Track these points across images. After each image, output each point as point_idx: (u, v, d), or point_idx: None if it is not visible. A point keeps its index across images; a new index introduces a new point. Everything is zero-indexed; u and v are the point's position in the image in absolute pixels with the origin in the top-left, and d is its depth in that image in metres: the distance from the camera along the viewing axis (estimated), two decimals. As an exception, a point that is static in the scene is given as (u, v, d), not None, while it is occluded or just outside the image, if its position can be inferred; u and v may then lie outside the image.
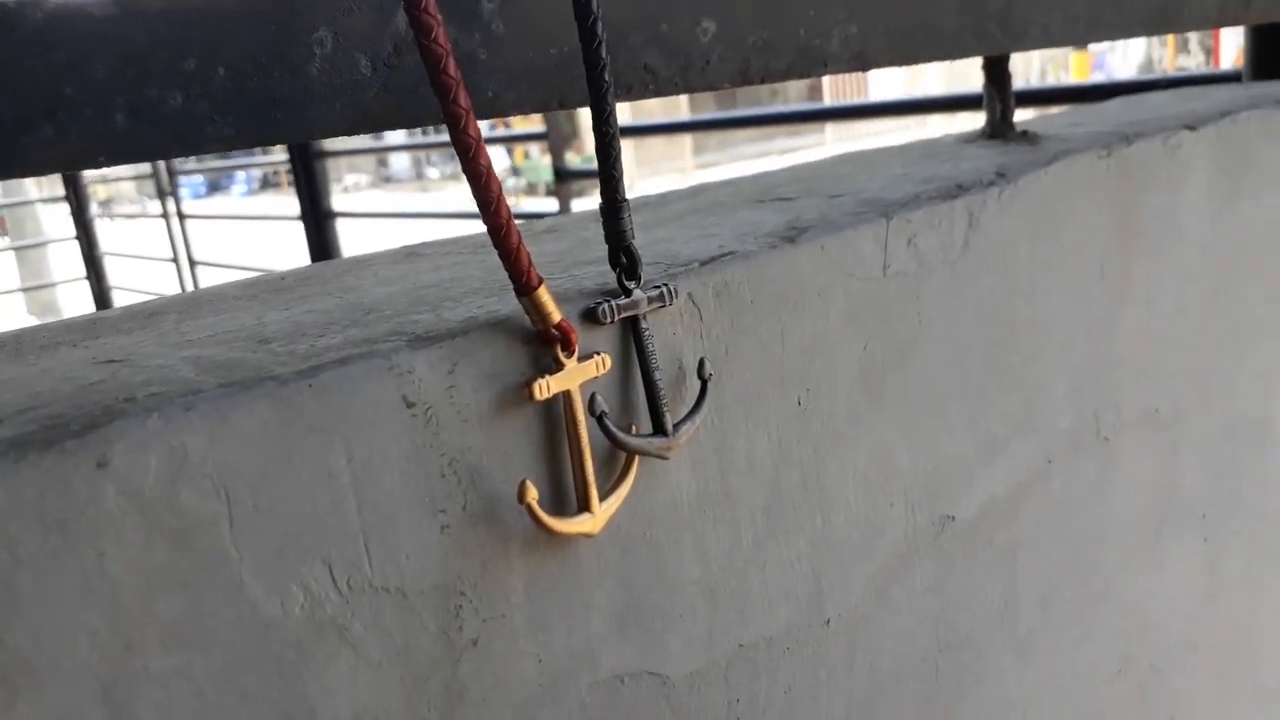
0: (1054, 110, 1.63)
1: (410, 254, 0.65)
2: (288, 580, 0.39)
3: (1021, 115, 1.03)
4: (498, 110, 0.49)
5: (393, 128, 0.48)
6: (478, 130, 0.41)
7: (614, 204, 0.48)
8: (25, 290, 7.79)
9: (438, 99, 0.40)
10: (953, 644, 0.73)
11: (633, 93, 0.54)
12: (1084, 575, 0.86)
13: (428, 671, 0.43)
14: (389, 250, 0.67)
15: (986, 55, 0.80)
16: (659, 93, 0.56)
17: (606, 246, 0.50)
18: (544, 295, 0.44)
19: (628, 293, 0.49)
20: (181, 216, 5.62)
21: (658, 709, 0.53)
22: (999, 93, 0.90)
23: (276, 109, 0.43)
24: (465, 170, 0.41)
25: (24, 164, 0.38)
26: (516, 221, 0.44)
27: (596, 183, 0.49)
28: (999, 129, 0.91)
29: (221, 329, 0.48)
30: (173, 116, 0.41)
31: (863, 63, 0.65)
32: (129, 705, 0.36)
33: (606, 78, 0.46)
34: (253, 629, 0.38)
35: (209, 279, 5.11)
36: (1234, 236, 0.97)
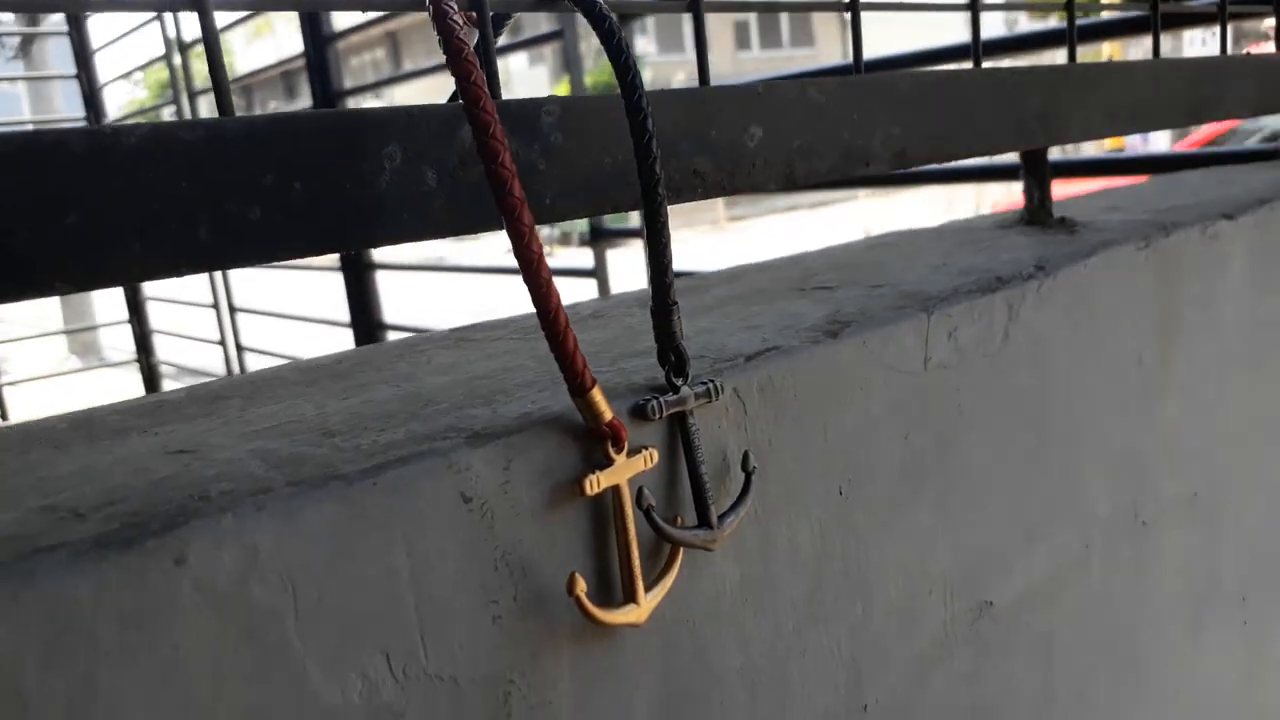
0: (1090, 183, 1.64)
1: (461, 339, 0.67)
2: (348, 669, 0.41)
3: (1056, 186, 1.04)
4: (554, 216, 0.52)
5: (456, 234, 0.50)
6: (540, 245, 0.43)
7: (665, 306, 0.50)
8: (68, 332, 7.95)
9: (503, 217, 0.42)
10: (989, 732, 0.73)
11: (682, 196, 0.56)
12: (1122, 662, 0.85)
13: (477, 762, 0.45)
14: (440, 333, 0.69)
15: (1025, 149, 0.81)
16: (706, 195, 0.58)
17: (653, 336, 0.51)
18: (597, 396, 0.46)
19: (675, 389, 0.51)
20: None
21: (697, 799, 0.54)
22: (1037, 182, 0.92)
23: (347, 220, 0.46)
24: (526, 280, 0.43)
25: (112, 276, 0.40)
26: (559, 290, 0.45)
27: (629, 239, 0.51)
28: (1037, 215, 0.92)
29: (284, 418, 0.51)
30: (251, 229, 0.43)
31: (903, 161, 0.67)
32: (196, 794, 0.37)
33: (660, 191, 0.48)
34: (314, 716, 0.40)
35: (248, 326, 5.20)
36: (1272, 324, 0.97)
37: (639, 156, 0.47)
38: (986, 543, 0.70)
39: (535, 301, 0.43)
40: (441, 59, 0.43)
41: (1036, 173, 0.90)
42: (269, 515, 0.39)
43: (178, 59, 4.54)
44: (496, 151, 0.41)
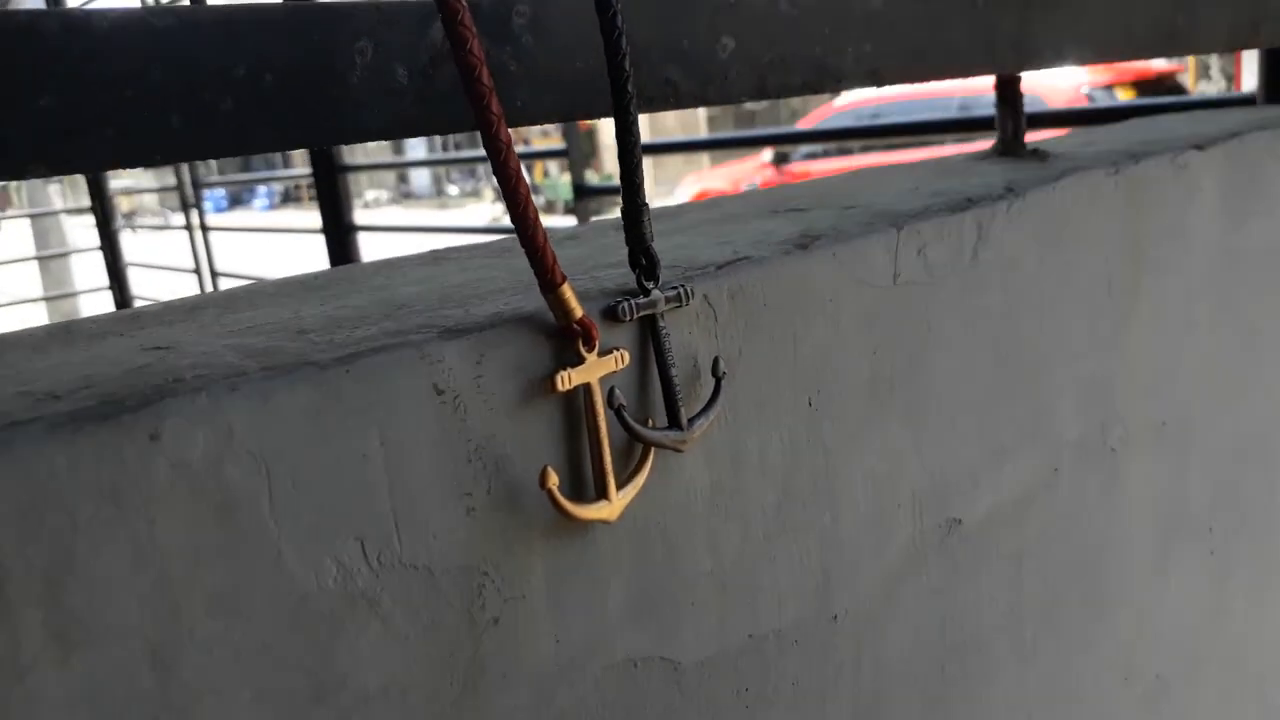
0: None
1: (437, 258, 0.68)
2: (322, 554, 0.42)
3: (1037, 137, 1.05)
4: (526, 119, 0.52)
5: (426, 134, 0.50)
6: (508, 135, 0.43)
7: (635, 208, 0.50)
8: (48, 299, 7.88)
9: (471, 105, 0.43)
10: (959, 645, 0.74)
11: (654, 105, 0.57)
12: (1089, 583, 0.87)
13: (452, 647, 0.46)
14: (416, 254, 0.70)
15: (999, 75, 0.82)
16: (679, 105, 0.58)
17: (626, 250, 0.52)
18: (567, 292, 0.47)
19: (646, 293, 0.52)
20: (205, 229, 5.69)
21: (669, 694, 0.55)
22: (1011, 111, 0.92)
23: (318, 114, 0.46)
24: (496, 172, 0.44)
25: (85, 160, 0.41)
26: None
27: (615, 201, 0.51)
28: (1011, 147, 0.93)
29: (260, 321, 0.51)
30: (223, 120, 0.44)
31: (876, 79, 0.68)
32: (174, 667, 0.38)
33: (630, 90, 0.48)
34: (289, 599, 0.41)
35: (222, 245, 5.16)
36: (1241, 254, 0.99)
37: (609, 55, 0.48)
38: (955, 461, 0.72)
39: (505, 192, 0.44)
40: None
41: (1011, 103, 0.91)
42: (243, 397, 0.39)
43: None
44: (465, 38, 0.41)
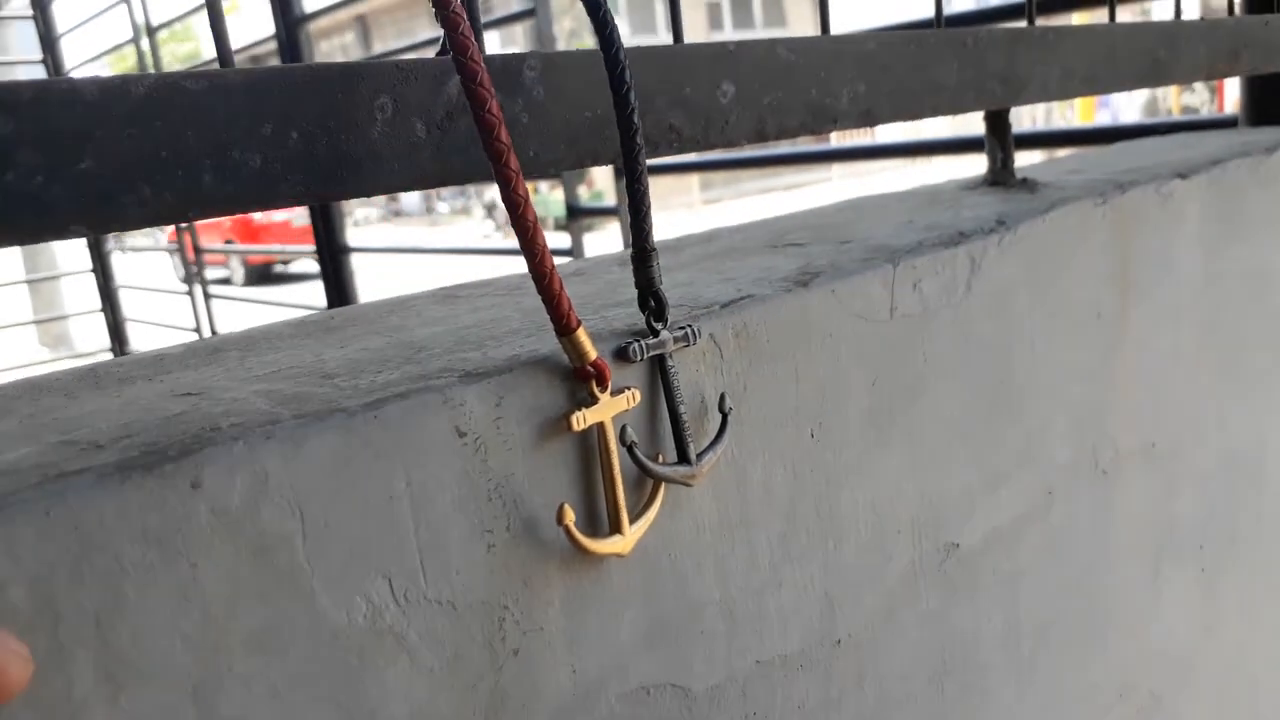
0: (1060, 153, 1.69)
1: (448, 296, 0.70)
2: (353, 592, 0.43)
3: (1029, 157, 1.08)
4: (537, 168, 0.54)
5: (444, 184, 0.52)
6: (525, 189, 0.45)
7: (644, 253, 0.53)
8: (39, 322, 7.85)
9: (490, 162, 0.45)
10: (957, 666, 0.76)
11: (659, 150, 0.59)
12: (1084, 603, 0.89)
13: (474, 678, 0.47)
14: (428, 292, 0.72)
15: (986, 109, 0.85)
16: (682, 150, 0.60)
17: (634, 289, 0.54)
18: (581, 336, 0.49)
19: (655, 333, 0.54)
20: (198, 250, 5.69)
21: (681, 719, 0.57)
22: (1000, 142, 0.95)
23: (342, 168, 0.48)
24: (513, 224, 0.46)
25: (124, 220, 0.43)
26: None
27: (605, 219, 0.54)
28: (1000, 176, 0.96)
29: (284, 365, 0.53)
30: (252, 176, 0.46)
31: (870, 119, 0.70)
32: (214, 703, 0.40)
33: (638, 141, 0.51)
34: (322, 636, 0.43)
35: (224, 312, 5.18)
36: (1226, 279, 1.01)
37: (618, 107, 0.50)
38: (952, 487, 0.74)
39: (522, 244, 0.46)
40: (409, 41, 0.45)
41: (999, 134, 0.94)
42: (277, 443, 0.41)
43: (145, 43, 4.50)
44: (484, 99, 0.43)
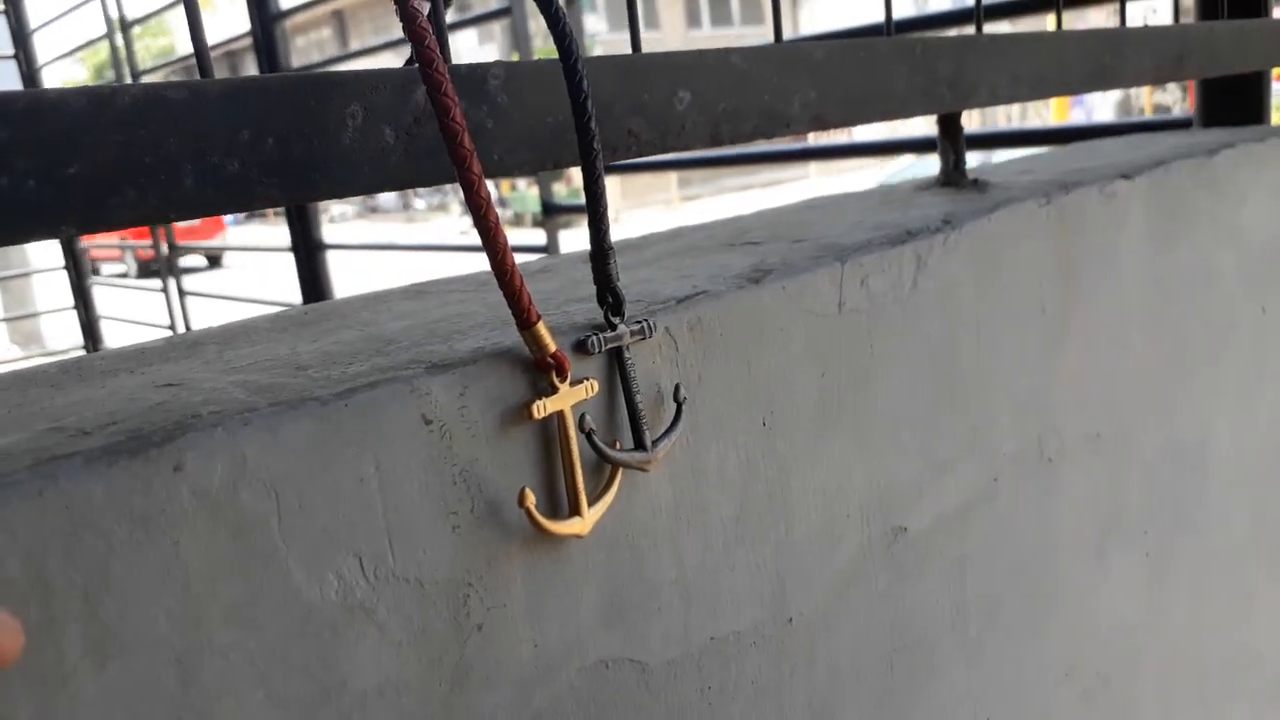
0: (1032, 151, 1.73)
1: (418, 292, 0.73)
2: (325, 569, 0.46)
3: (1008, 155, 1.12)
4: (501, 171, 0.57)
5: (412, 186, 0.56)
6: (488, 192, 0.49)
7: (601, 251, 0.56)
8: (9, 320, 7.77)
9: (455, 166, 0.48)
10: (906, 645, 0.80)
11: (618, 154, 0.62)
12: (1030, 586, 0.93)
13: (440, 651, 0.51)
14: (399, 288, 0.75)
15: (936, 114, 0.88)
16: (640, 154, 0.64)
17: (595, 286, 0.58)
18: (542, 330, 0.52)
19: (613, 327, 0.57)
20: (173, 248, 5.67)
21: (638, 693, 0.60)
22: (952, 145, 0.99)
23: (315, 172, 0.51)
24: (476, 224, 0.49)
25: (110, 221, 0.46)
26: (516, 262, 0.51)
27: (582, 216, 0.57)
28: (952, 177, 0.99)
29: (260, 358, 0.56)
30: (230, 180, 0.49)
31: (821, 124, 0.74)
32: (196, 673, 0.43)
33: (596, 145, 0.54)
34: (297, 611, 0.46)
35: (198, 309, 5.16)
36: (1168, 276, 1.06)
37: (576, 114, 0.53)
38: (900, 473, 0.78)
39: (485, 243, 0.49)
40: (387, 38, 0.48)
41: (951, 137, 0.97)
42: (255, 429, 0.44)
43: (119, 39, 4.48)
44: (448, 107, 0.46)
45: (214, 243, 11.46)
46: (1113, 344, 1.00)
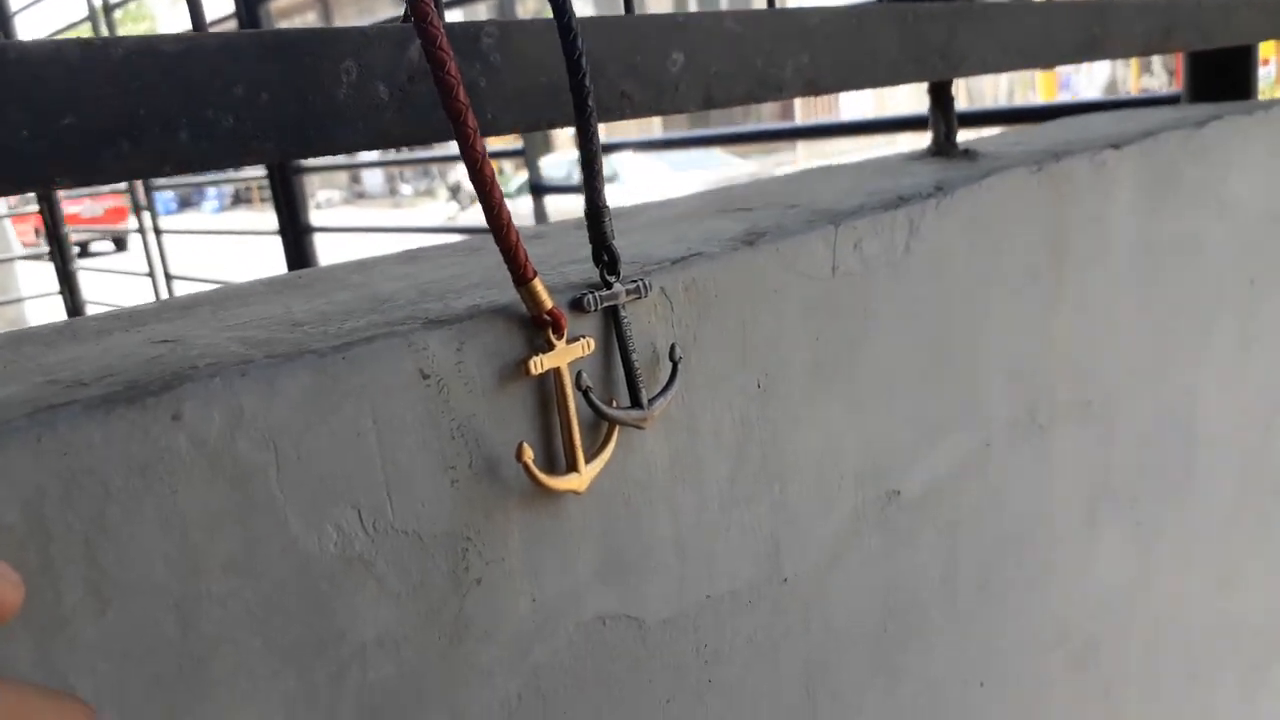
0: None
1: (412, 257, 0.73)
2: (324, 521, 0.47)
3: (989, 133, 1.12)
4: (495, 130, 0.57)
5: (405, 144, 0.55)
6: (484, 146, 0.49)
7: (596, 209, 0.56)
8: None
9: (450, 120, 0.48)
10: (900, 609, 0.81)
11: (611, 115, 0.62)
12: (1022, 551, 0.94)
13: (439, 604, 0.51)
14: (392, 254, 0.75)
15: (927, 81, 0.88)
16: (634, 115, 0.64)
17: (590, 248, 0.58)
18: (538, 286, 0.52)
19: (609, 286, 0.57)
20: (158, 231, 5.64)
21: (635, 649, 0.61)
22: (943, 114, 0.99)
23: (309, 128, 0.51)
24: (472, 178, 0.49)
25: (104, 173, 0.45)
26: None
27: (565, 198, 0.57)
28: (943, 148, 1.00)
29: (255, 316, 0.56)
30: (225, 134, 0.48)
31: (814, 89, 0.74)
32: (194, 619, 0.43)
33: (590, 103, 0.54)
34: (294, 561, 0.46)
35: (185, 293, 5.13)
36: (1158, 246, 1.06)
37: (570, 72, 0.53)
38: (893, 437, 0.78)
39: (481, 197, 0.49)
40: (370, 20, 0.48)
41: (942, 106, 0.98)
42: (252, 380, 0.44)
43: (101, 23, 4.45)
44: (443, 60, 0.46)
45: (193, 227, 11.43)
46: (1103, 312, 1.00)
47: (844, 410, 0.74)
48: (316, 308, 0.57)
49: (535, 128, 0.59)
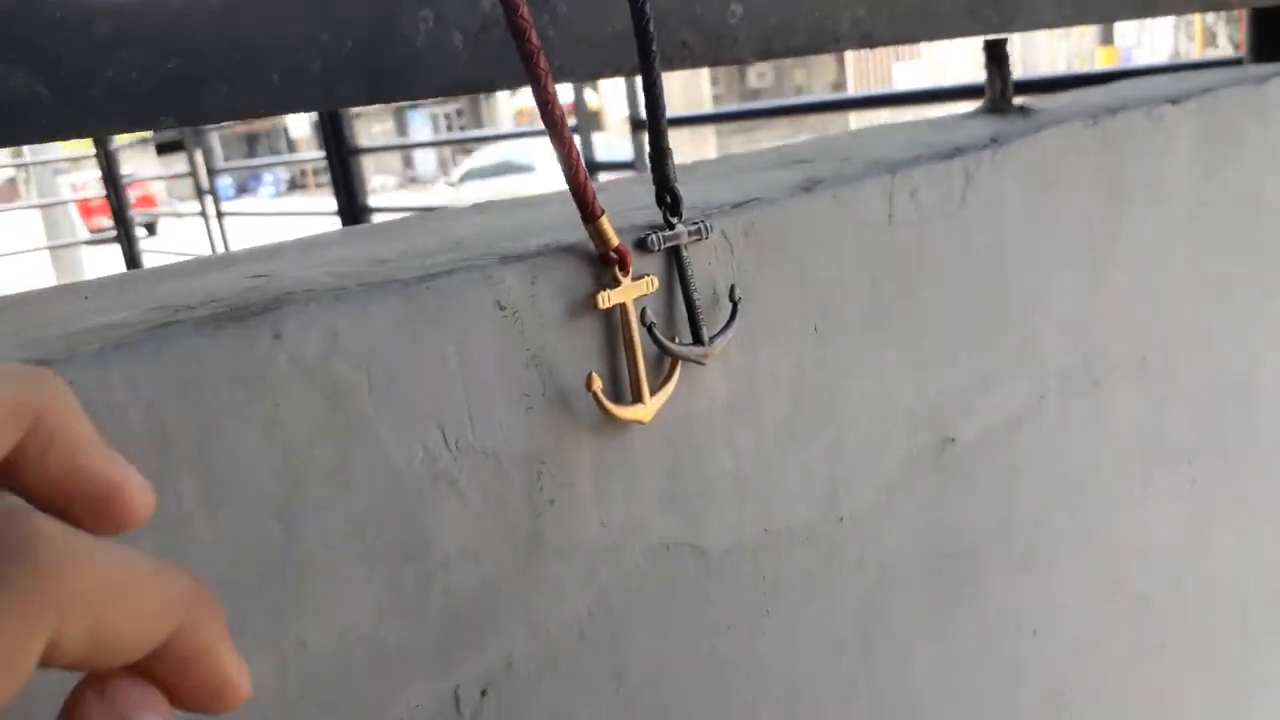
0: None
1: (481, 209, 0.76)
2: (412, 438, 0.50)
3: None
4: (563, 76, 0.60)
5: (477, 91, 0.58)
6: (554, 87, 0.51)
7: (660, 151, 0.58)
8: (51, 248, 7.76)
9: (523, 61, 0.50)
10: (954, 553, 0.83)
11: (673, 64, 0.65)
12: (1075, 504, 0.95)
13: (516, 522, 0.54)
14: (462, 207, 0.78)
15: (983, 36, 0.89)
16: (694, 65, 0.66)
17: (652, 195, 0.60)
18: (605, 223, 0.55)
19: (671, 226, 0.60)
20: (220, 215, 5.77)
21: (698, 574, 0.63)
22: (999, 71, 1.00)
23: (390, 73, 0.54)
24: (544, 118, 0.52)
25: (205, 114, 0.49)
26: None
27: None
28: (998, 104, 1.00)
29: (342, 256, 0.59)
30: (312, 78, 0.52)
31: (870, 41, 0.75)
32: (296, 526, 0.47)
33: (654, 48, 0.56)
34: (386, 475, 0.49)
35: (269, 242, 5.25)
36: (1216, 202, 1.06)
37: (635, 17, 0.55)
38: (948, 384, 0.80)
39: (552, 136, 0.52)
40: None
41: (999, 63, 0.98)
42: (345, 305, 0.48)
43: None
44: (516, 5, 0.49)
45: (252, 210, 11.65)
46: (1160, 268, 1.00)
47: (899, 356, 0.76)
48: (397, 248, 0.60)
49: (600, 76, 0.61)
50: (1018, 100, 1.06)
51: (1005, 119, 0.95)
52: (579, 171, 0.53)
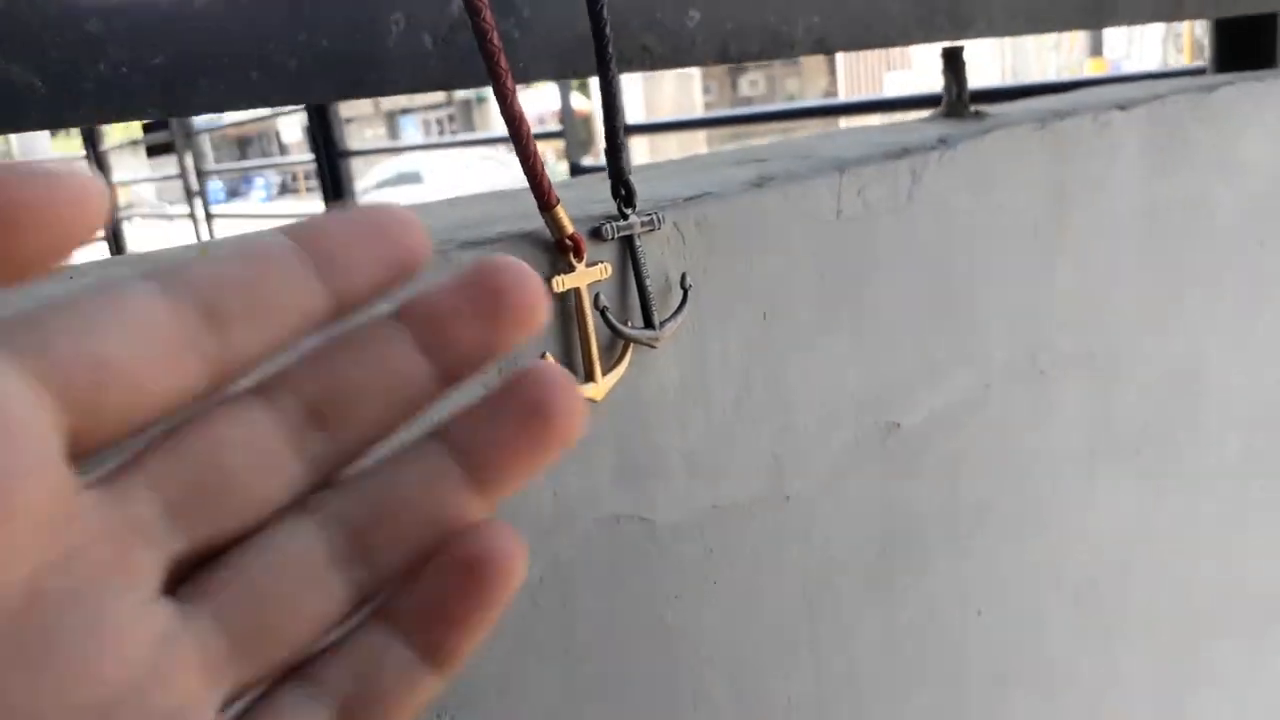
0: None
1: (453, 203, 0.80)
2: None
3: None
4: (527, 77, 0.64)
5: (446, 88, 0.62)
6: (513, 85, 0.55)
7: (615, 145, 0.63)
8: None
9: (484, 60, 0.55)
10: (899, 535, 0.87)
11: (633, 66, 0.69)
12: (1020, 492, 1.00)
13: (472, 489, 0.58)
14: (435, 201, 0.82)
15: (937, 43, 0.94)
16: (654, 68, 0.70)
17: (609, 191, 0.64)
18: (560, 212, 0.59)
19: (625, 217, 0.64)
20: (210, 217, 5.80)
21: (647, 546, 0.68)
22: (955, 77, 1.04)
23: (363, 71, 0.58)
24: (503, 113, 0.56)
25: (188, 106, 0.53)
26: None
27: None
28: (954, 108, 1.05)
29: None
30: (290, 75, 0.56)
31: (824, 47, 0.80)
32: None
33: (610, 50, 0.60)
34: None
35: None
36: (1164, 206, 1.11)
37: (592, 18, 0.60)
38: (894, 372, 0.84)
39: (510, 129, 0.56)
40: None
41: (954, 69, 1.03)
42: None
43: None
44: (479, 8, 0.53)
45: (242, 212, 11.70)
46: (1106, 268, 1.05)
47: (847, 345, 0.80)
48: (367, 235, 0.64)
49: (562, 77, 0.66)
50: (975, 106, 1.10)
51: (959, 122, 1.00)
52: (535, 162, 0.57)
